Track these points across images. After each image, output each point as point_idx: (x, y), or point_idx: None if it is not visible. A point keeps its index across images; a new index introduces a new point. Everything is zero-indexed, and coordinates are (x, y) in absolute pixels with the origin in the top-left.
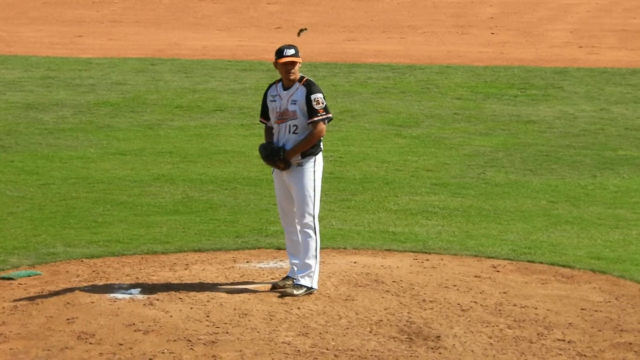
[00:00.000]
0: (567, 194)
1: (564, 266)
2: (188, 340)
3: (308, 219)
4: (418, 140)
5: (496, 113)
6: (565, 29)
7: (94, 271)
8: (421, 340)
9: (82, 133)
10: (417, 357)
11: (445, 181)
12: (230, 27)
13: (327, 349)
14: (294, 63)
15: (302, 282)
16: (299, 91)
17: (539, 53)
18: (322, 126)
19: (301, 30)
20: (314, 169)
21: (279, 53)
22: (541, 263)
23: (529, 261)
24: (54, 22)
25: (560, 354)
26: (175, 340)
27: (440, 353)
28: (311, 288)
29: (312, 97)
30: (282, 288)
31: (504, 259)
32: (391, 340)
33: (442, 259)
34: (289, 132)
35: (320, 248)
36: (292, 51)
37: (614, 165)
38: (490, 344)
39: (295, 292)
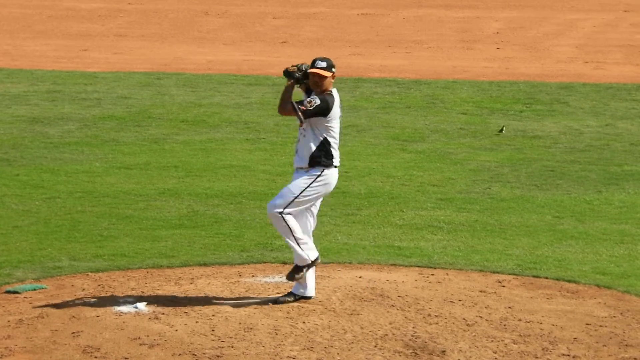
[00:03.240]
0: (573, 209)
1: (569, 281)
2: (193, 354)
3: (276, 210)
4: (423, 155)
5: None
6: (571, 44)
7: (99, 285)
8: (426, 355)
9: (87, 147)
10: None
11: (451, 196)
12: (236, 42)
13: None
14: (322, 77)
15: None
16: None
17: (544, 68)
18: (289, 108)
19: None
20: (316, 179)
21: (312, 63)
22: (546, 278)
23: (534, 276)
24: (59, 36)
25: None
26: (180, 355)
27: None
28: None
29: (310, 97)
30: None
31: (509, 274)
32: (396, 354)
33: (447, 274)
34: (301, 135)
35: (325, 262)
36: (323, 64)
37: (619, 180)
38: (496, 358)
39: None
